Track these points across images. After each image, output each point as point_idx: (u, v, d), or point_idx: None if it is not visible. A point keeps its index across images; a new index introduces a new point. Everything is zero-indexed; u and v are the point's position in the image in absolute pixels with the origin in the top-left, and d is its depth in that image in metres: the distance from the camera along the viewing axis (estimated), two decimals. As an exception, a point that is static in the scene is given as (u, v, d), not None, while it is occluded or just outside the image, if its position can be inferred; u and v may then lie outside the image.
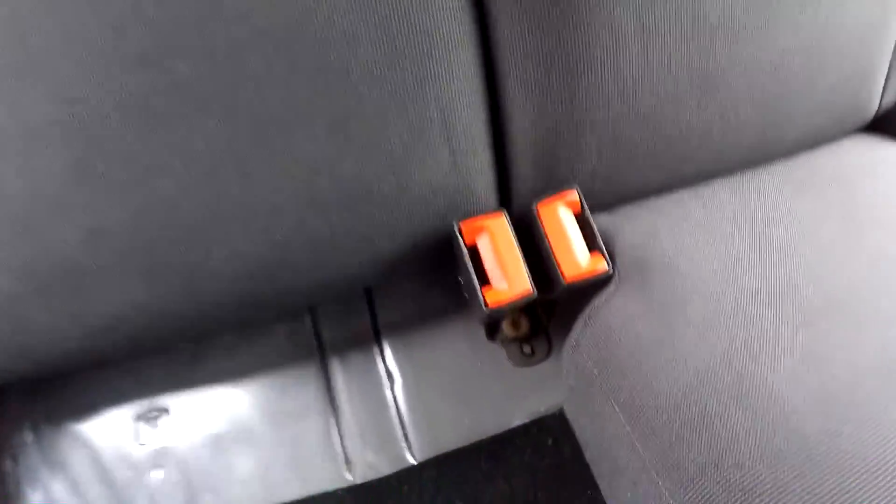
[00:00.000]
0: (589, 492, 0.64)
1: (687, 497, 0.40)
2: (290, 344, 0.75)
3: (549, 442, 0.66)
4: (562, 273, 0.53)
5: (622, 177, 0.58)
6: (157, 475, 0.71)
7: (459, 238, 0.55)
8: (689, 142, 0.55)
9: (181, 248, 0.51)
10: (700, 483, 0.40)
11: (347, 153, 0.50)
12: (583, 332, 0.51)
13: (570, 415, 0.59)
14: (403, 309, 0.76)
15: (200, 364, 0.74)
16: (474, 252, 0.55)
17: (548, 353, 0.71)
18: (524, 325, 0.70)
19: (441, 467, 0.67)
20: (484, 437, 0.68)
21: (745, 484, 0.39)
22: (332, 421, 0.72)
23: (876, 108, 0.63)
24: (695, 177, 0.60)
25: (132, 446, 0.72)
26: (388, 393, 0.73)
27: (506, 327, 0.71)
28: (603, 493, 0.55)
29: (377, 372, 0.74)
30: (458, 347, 0.73)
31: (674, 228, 0.53)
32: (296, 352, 0.74)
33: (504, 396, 0.70)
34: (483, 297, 0.52)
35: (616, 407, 0.46)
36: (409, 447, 0.70)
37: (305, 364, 0.74)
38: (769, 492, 0.38)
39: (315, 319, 0.76)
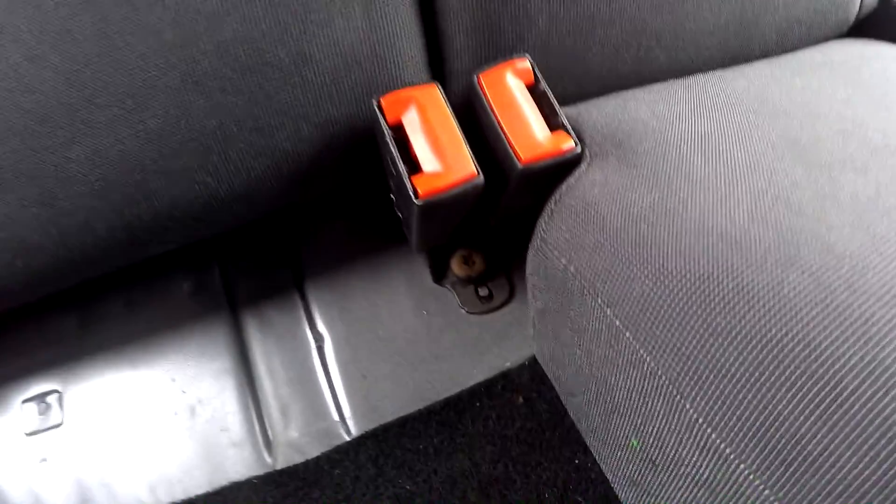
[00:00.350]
0: (576, 459, 0.49)
1: (737, 427, 0.27)
2: (194, 303, 0.60)
3: (520, 401, 0.52)
4: (515, 154, 0.39)
5: (581, 58, 0.46)
6: (44, 469, 0.55)
7: (379, 115, 0.41)
8: (658, 19, 0.45)
9: (32, 144, 0.40)
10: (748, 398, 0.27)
11: (231, 7, 0.39)
12: (550, 222, 0.37)
13: (542, 357, 0.45)
14: (331, 253, 0.62)
15: (90, 332, 0.60)
16: (399, 133, 0.42)
17: (509, 296, 0.57)
18: (478, 263, 0.56)
19: (382, 443, 0.53)
20: (435, 402, 0.54)
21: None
22: (248, 394, 0.57)
23: (857, 10, 0.55)
24: (667, 71, 0.48)
25: (16, 436, 0.59)
26: (314, 356, 0.59)
27: (455, 266, 0.57)
28: (595, 454, 0.41)
29: (302, 331, 0.59)
30: (398, 296, 0.59)
31: (653, 105, 0.41)
32: (202, 312, 0.60)
33: (458, 351, 0.56)
34: (413, 186, 0.38)
35: (608, 309, 0.32)
36: (343, 420, 0.56)
37: (214, 326, 0.59)
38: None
39: (225, 272, 0.61)
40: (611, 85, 0.50)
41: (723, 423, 0.27)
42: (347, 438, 0.55)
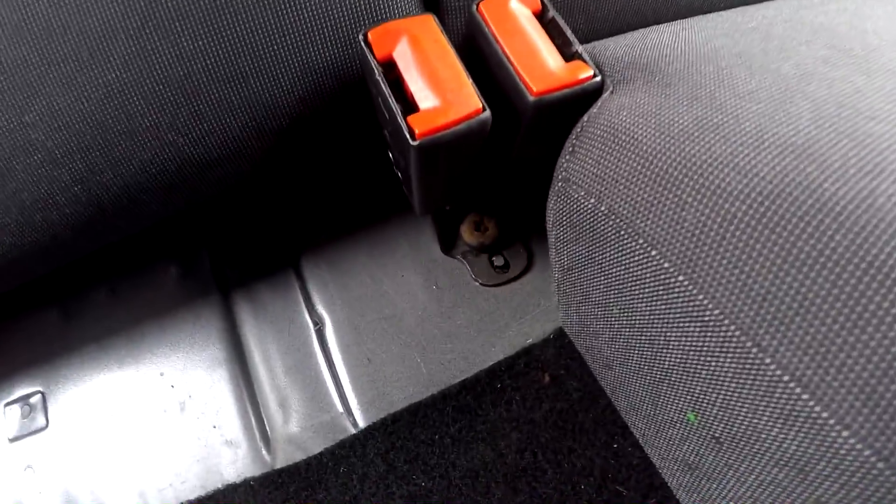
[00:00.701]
0: (615, 443, 0.43)
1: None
2: (182, 288, 0.55)
3: (546, 380, 0.45)
4: (527, 86, 0.33)
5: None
6: (29, 477, 0.53)
7: (367, 51, 0.35)
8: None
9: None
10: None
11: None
12: (572, 158, 0.31)
13: (570, 327, 0.39)
14: (328, 227, 0.55)
15: (73, 326, 0.55)
16: (392, 71, 0.35)
17: (528, 264, 0.50)
18: (490, 229, 0.50)
19: (392, 435, 0.46)
20: (450, 385, 0.47)
21: None
22: (242, 385, 0.51)
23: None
24: (690, 8, 0.42)
25: (-1, 441, 0.53)
26: (314, 341, 0.53)
27: (466, 233, 0.50)
28: (638, 435, 0.34)
29: (299, 314, 0.53)
30: (404, 270, 0.52)
31: (679, 33, 0.34)
32: (191, 297, 0.54)
33: (474, 328, 0.49)
34: (408, 126, 0.32)
35: (653, 250, 0.26)
36: (348, 411, 0.50)
37: (204, 312, 0.53)
38: None
39: (214, 252, 0.55)
40: (627, 24, 0.44)
41: (821, 383, 0.21)
42: (353, 431, 0.49)
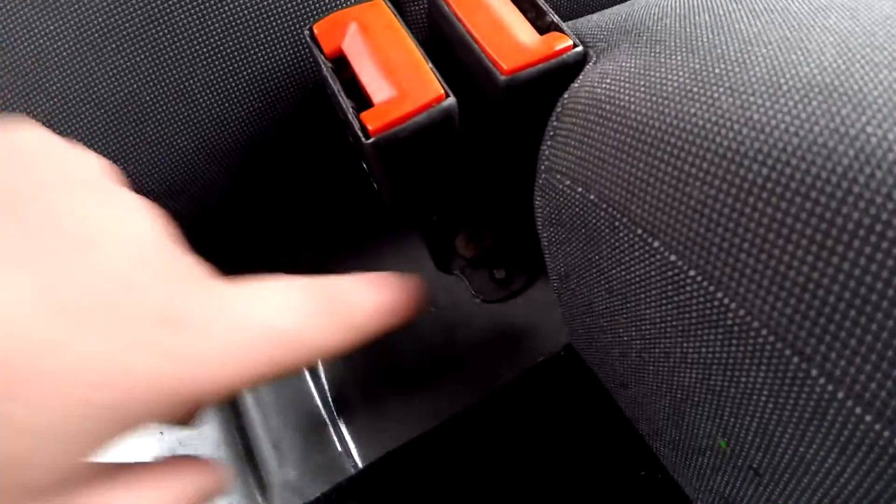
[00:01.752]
0: (642, 471, 0.37)
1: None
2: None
3: (559, 401, 0.40)
4: (496, 65, 0.28)
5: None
6: None
7: (314, 47, 0.31)
8: None
9: None
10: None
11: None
12: (553, 144, 0.26)
13: (578, 342, 0.34)
14: (314, 248, 0.51)
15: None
16: (343, 66, 0.31)
17: (533, 275, 0.45)
18: (488, 239, 0.44)
19: (394, 474, 0.41)
20: (453, 416, 0.42)
21: None
22: (234, 428, 0.47)
23: None
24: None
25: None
26: (308, 378, 0.48)
27: (462, 246, 0.45)
28: (665, 462, 0.29)
29: (287, 347, 0.48)
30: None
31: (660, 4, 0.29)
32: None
33: (477, 350, 0.44)
34: (361, 123, 0.27)
35: (654, 241, 0.21)
36: (346, 451, 0.45)
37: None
38: None
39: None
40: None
41: (890, 400, 0.15)
42: (353, 472, 0.43)
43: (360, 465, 0.44)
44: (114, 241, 0.20)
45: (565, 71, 0.28)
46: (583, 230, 0.25)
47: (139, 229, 0.21)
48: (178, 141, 0.37)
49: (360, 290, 0.27)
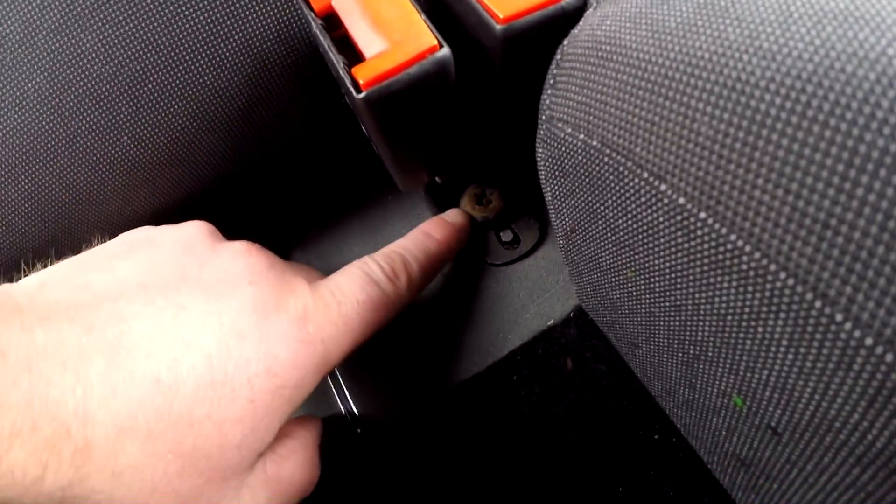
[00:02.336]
0: (655, 435, 0.36)
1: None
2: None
3: (569, 366, 0.38)
4: (490, 13, 0.27)
5: None
6: None
7: (303, 4, 0.29)
8: None
9: None
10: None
11: None
12: (554, 91, 0.24)
13: (586, 302, 0.32)
14: (316, 215, 0.49)
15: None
16: (334, 24, 0.29)
17: (541, 236, 0.44)
18: (494, 200, 0.43)
19: (399, 438, 0.40)
20: (461, 381, 0.41)
21: None
22: None
23: None
24: None
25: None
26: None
27: (467, 208, 0.44)
28: (679, 425, 0.28)
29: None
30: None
31: None
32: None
33: (485, 314, 0.43)
34: (351, 77, 0.26)
35: (661, 184, 0.19)
36: (350, 414, 0.44)
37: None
38: None
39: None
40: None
41: None
42: (356, 435, 0.43)
43: (363, 429, 0.43)
44: (244, 274, 0.28)
45: (564, 18, 0.27)
46: (587, 180, 0.23)
47: (254, 261, 0.29)
48: (172, 110, 0.36)
49: (417, 247, 0.37)
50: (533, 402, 0.40)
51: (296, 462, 0.29)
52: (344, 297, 0.30)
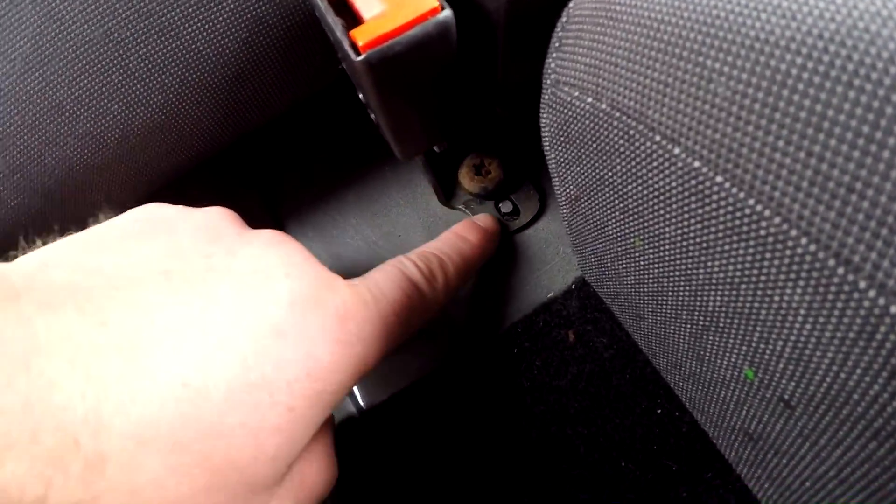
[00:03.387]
0: (658, 409, 0.35)
1: None
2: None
3: (571, 339, 0.38)
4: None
5: None
6: None
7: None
8: None
9: None
10: None
11: None
12: (559, 54, 0.23)
13: (590, 273, 0.32)
14: (312, 187, 0.48)
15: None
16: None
17: (541, 207, 0.43)
18: (493, 171, 0.42)
19: (399, 416, 0.40)
20: (459, 356, 0.40)
21: None
22: None
23: None
24: None
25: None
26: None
27: (465, 179, 0.43)
28: (684, 398, 0.27)
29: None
30: (400, 228, 0.45)
31: None
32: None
33: (485, 286, 0.42)
34: (350, 40, 0.25)
35: (674, 147, 0.18)
36: (349, 392, 0.43)
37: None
38: None
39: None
40: None
41: None
42: (355, 413, 0.42)
43: (363, 405, 0.42)
44: (279, 265, 0.25)
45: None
46: (594, 145, 0.22)
47: (289, 252, 0.25)
48: (164, 77, 0.34)
49: (451, 249, 0.35)
50: (534, 376, 0.39)
51: (319, 465, 0.26)
52: (382, 296, 0.27)
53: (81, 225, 0.27)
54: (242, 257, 0.24)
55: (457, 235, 0.37)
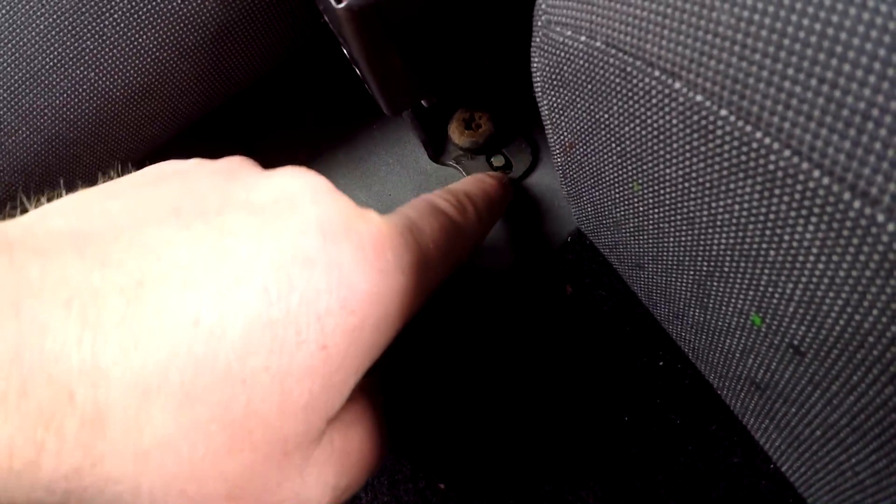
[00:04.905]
0: (660, 361, 0.35)
1: None
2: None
3: (568, 291, 0.37)
4: None
5: None
6: None
7: None
8: None
9: None
10: None
11: None
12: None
13: (585, 223, 0.30)
14: (297, 150, 0.47)
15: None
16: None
17: (534, 160, 0.41)
18: (484, 125, 0.41)
19: (399, 374, 0.39)
20: (456, 313, 0.39)
21: None
22: None
23: None
24: None
25: None
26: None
27: (455, 134, 0.42)
28: (686, 349, 0.26)
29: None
30: (390, 186, 0.44)
31: None
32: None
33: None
34: (328, -15, 0.23)
35: (674, 81, 0.17)
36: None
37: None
38: None
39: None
40: None
41: None
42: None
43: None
44: (305, 193, 0.22)
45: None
46: (588, 86, 0.21)
47: (315, 181, 0.23)
48: (141, 38, 0.33)
49: (475, 186, 0.33)
50: (530, 332, 0.38)
51: (364, 431, 0.23)
52: (415, 226, 0.24)
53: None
54: (264, 189, 0.22)
55: (475, 177, 0.35)
